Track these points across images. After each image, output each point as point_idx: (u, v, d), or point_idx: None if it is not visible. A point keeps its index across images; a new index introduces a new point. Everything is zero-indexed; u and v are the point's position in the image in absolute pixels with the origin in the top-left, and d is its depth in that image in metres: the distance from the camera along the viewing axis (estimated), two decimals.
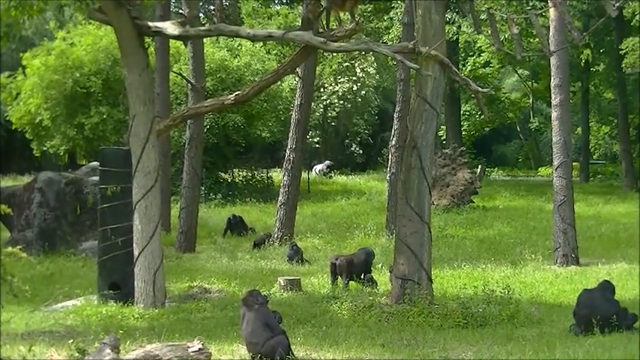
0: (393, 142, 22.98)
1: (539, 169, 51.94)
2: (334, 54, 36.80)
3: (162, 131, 14.58)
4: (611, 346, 9.66)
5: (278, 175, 31.37)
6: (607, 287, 11.37)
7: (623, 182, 39.41)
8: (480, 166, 34.07)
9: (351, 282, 15.08)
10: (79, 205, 20.20)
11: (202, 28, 16.84)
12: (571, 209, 19.32)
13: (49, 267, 17.54)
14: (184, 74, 24.78)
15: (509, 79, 58.77)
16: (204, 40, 24.87)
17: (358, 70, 41.55)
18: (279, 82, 29.80)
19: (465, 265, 18.23)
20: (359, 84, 41.70)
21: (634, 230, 22.65)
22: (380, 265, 17.02)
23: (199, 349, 8.52)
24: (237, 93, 14.15)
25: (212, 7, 45.34)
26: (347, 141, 47.54)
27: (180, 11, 25.05)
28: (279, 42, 34.97)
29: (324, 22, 13.04)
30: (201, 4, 43.96)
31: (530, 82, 54.08)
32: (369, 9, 38.98)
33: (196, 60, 22.26)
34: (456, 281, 15.99)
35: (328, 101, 41.57)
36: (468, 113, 51.11)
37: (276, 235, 22.32)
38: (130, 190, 13.31)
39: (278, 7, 46.19)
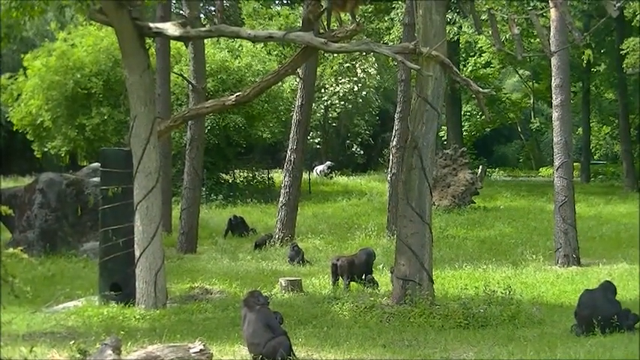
0: (394, 143, 22.97)
1: (540, 169, 51.93)
2: (335, 55, 36.85)
3: (163, 132, 14.57)
4: (612, 347, 9.66)
5: (279, 176, 31.36)
6: (608, 288, 11.38)
7: (624, 182, 39.40)
8: (480, 167, 34.05)
9: (352, 283, 15.08)
10: (80, 206, 20.20)
11: (203, 29, 16.86)
12: (572, 209, 19.31)
13: (51, 268, 17.54)
14: (185, 75, 24.78)
15: (510, 79, 58.82)
16: (205, 41, 24.89)
17: (359, 71, 41.57)
18: (280, 83, 29.85)
19: (466, 266, 18.23)
20: (360, 85, 41.72)
21: (635, 230, 22.64)
22: (381, 266, 17.01)
23: (200, 350, 8.52)
24: (238, 94, 14.15)
25: (213, 8, 45.27)
26: (348, 142, 47.57)
27: (181, 12, 25.09)
28: (279, 43, 34.99)
29: (325, 23, 13.04)
30: (201, 5, 43.97)
31: (531, 83, 54.11)
32: (369, 10, 39.01)
33: (197, 61, 22.27)
34: (457, 282, 15.99)
35: (329, 102, 41.60)
36: (468, 114, 51.13)
37: (277, 236, 22.32)
38: (131, 191, 13.31)
39: (279, 8, 46.23)
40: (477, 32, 25.95)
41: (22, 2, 14.28)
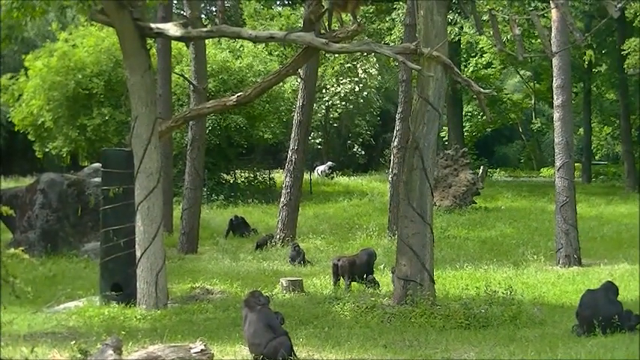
0: (395, 143, 22.96)
1: (542, 169, 51.89)
2: (336, 55, 36.86)
3: (165, 132, 14.58)
4: (613, 347, 9.66)
5: (280, 176, 31.37)
6: (610, 288, 11.37)
7: (626, 183, 39.39)
8: (482, 167, 34.03)
9: (353, 283, 15.08)
10: (81, 207, 20.21)
11: (204, 29, 16.89)
12: (573, 210, 19.31)
13: (52, 268, 17.55)
14: (186, 75, 24.80)
15: (511, 80, 58.81)
16: (206, 41, 24.90)
17: (360, 72, 41.57)
18: (281, 84, 29.86)
19: (467, 266, 18.22)
20: (361, 85, 41.71)
21: (636, 231, 22.62)
22: (382, 266, 17.00)
23: (201, 350, 8.52)
24: (239, 94, 14.15)
25: (214, 9, 45.34)
26: (349, 142, 47.57)
27: (182, 12, 25.10)
28: (281, 43, 34.97)
29: (326, 24, 13.04)
30: (202, 5, 44.00)
31: (532, 83, 54.09)
32: (371, 10, 39.04)
33: (198, 61, 22.28)
34: (458, 282, 15.99)
35: (330, 102, 41.60)
36: (469, 114, 51.12)
37: (278, 236, 22.32)
38: (132, 191, 13.33)
39: (280, 9, 46.23)
40: (478, 33, 25.98)
41: (24, 3, 14.29)
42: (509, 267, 18.30)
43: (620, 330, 10.76)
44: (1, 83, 31.24)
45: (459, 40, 38.95)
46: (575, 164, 28.73)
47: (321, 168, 42.32)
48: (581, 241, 19.49)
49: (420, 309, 12.22)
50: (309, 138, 30.62)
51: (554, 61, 19.54)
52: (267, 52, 37.01)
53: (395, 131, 23.26)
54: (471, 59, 46.99)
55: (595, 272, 17.49)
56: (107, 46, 30.64)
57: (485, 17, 20.40)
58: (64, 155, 33.57)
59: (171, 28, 13.89)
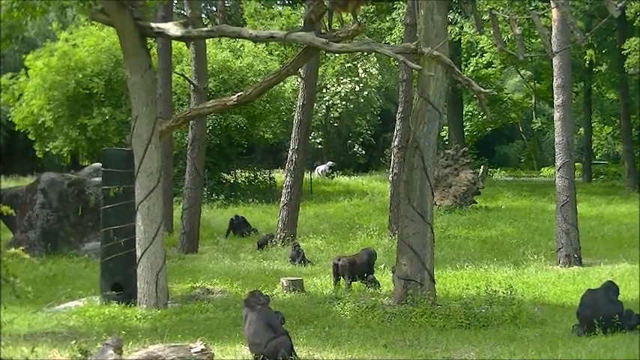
0: (396, 143, 22.96)
1: (542, 169, 51.90)
2: (337, 55, 36.85)
3: (165, 132, 14.58)
4: (613, 347, 9.65)
5: (280, 176, 31.36)
6: (610, 288, 11.36)
7: (626, 182, 39.38)
8: (482, 167, 34.01)
9: (353, 283, 15.08)
10: (81, 206, 20.21)
11: (205, 29, 16.87)
12: (573, 209, 19.31)
13: (52, 268, 17.56)
14: (187, 75, 24.81)
15: (511, 79, 58.78)
16: (207, 41, 24.89)
17: (360, 71, 41.57)
18: (281, 83, 29.87)
19: (467, 266, 18.23)
20: (361, 85, 41.72)
21: (636, 230, 22.62)
22: (382, 266, 17.01)
23: (202, 349, 8.52)
24: (239, 94, 14.15)
25: (214, 8, 45.34)
26: (349, 142, 47.57)
27: (183, 12, 25.10)
28: (281, 43, 34.93)
29: (327, 23, 13.04)
30: (203, 5, 44.00)
31: (532, 83, 54.09)
32: (371, 10, 39.00)
33: (199, 61, 22.28)
34: (459, 282, 15.99)
35: (331, 102, 41.60)
36: (470, 114, 51.09)
37: (278, 236, 22.34)
38: (132, 191, 13.33)
39: (280, 8, 46.22)
40: (478, 32, 25.91)
41: (24, 2, 14.30)
42: (509, 267, 18.30)
43: (620, 330, 10.76)
44: (2, 83, 31.26)
45: (460, 39, 38.93)
46: (576, 164, 28.70)
47: (321, 168, 42.31)
48: (581, 241, 19.50)
49: (421, 309, 12.22)
50: (310, 138, 30.63)
51: (555, 61, 19.54)
52: (267, 52, 37.02)
53: (395, 131, 23.26)
54: (472, 59, 46.98)
55: (595, 272, 17.49)
56: (107, 45, 30.66)
57: (485, 17, 20.40)
58: (65, 155, 33.62)
59: (172, 28, 13.89)
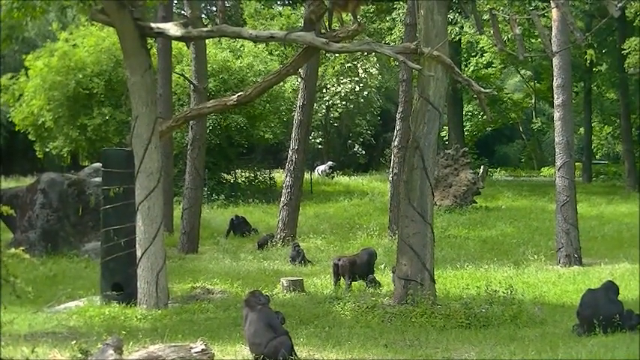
0: (396, 143, 22.96)
1: (542, 169, 51.90)
2: (337, 55, 36.85)
3: (165, 132, 14.58)
4: (613, 347, 9.65)
5: (280, 176, 31.36)
6: (610, 288, 11.36)
7: (626, 182, 39.38)
8: (482, 167, 34.00)
9: (353, 283, 15.08)
10: (81, 206, 20.21)
11: (205, 29, 16.88)
12: (574, 209, 19.31)
13: (52, 268, 17.56)
14: (187, 75, 24.80)
15: (511, 79, 58.79)
16: (207, 41, 24.89)
17: (360, 71, 41.57)
18: (281, 83, 29.86)
19: (467, 266, 18.23)
20: (361, 85, 41.71)
21: (636, 230, 22.63)
22: (382, 266, 17.01)
23: (202, 349, 8.52)
24: (239, 94, 14.15)
25: (214, 9, 45.34)
26: (349, 142, 47.57)
27: (183, 12, 25.10)
28: (281, 43, 34.93)
29: (327, 23, 13.04)
30: (203, 5, 44.00)
31: (532, 83, 54.09)
32: (371, 10, 39.01)
33: (199, 61, 22.28)
34: (459, 282, 15.99)
35: (331, 102, 41.60)
36: (470, 114, 51.10)
37: (278, 236, 22.34)
38: (132, 191, 13.33)
39: (280, 8, 46.22)
40: (478, 32, 25.90)
41: (24, 3, 14.29)
42: (509, 266, 18.31)
43: (620, 329, 10.76)
44: (2, 83, 31.26)
45: (460, 39, 38.93)
46: (576, 164, 28.68)
47: (321, 168, 42.30)
48: (581, 241, 19.50)
49: (421, 308, 12.23)
50: (310, 138, 30.62)
51: (555, 61, 19.54)
52: (267, 52, 37.01)
53: (395, 131, 23.26)
54: (472, 59, 46.98)
55: (596, 272, 17.50)
56: (107, 45, 30.66)
57: (485, 17, 20.41)
58: (65, 155, 33.61)
59: (172, 28, 13.89)
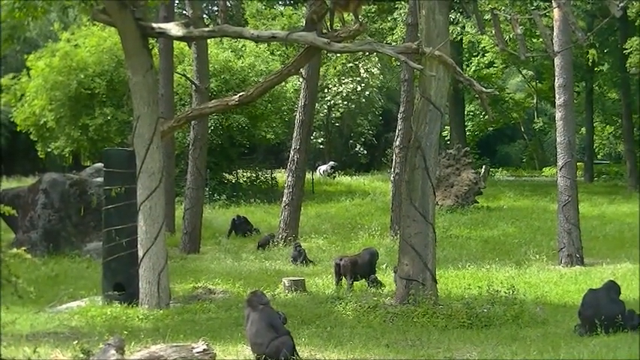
0: (397, 143, 22.97)
1: (544, 169, 51.86)
2: (338, 55, 36.79)
3: (166, 132, 14.58)
4: (615, 347, 9.65)
5: (282, 176, 31.35)
6: (612, 287, 11.36)
7: (628, 182, 39.36)
8: (484, 167, 34.01)
9: (355, 283, 15.08)
10: (83, 207, 20.21)
11: (206, 29, 16.87)
12: (575, 209, 19.31)
13: (54, 268, 17.56)
14: (188, 75, 24.81)
15: (513, 79, 58.75)
16: (208, 41, 24.89)
17: (362, 71, 41.54)
18: (283, 83, 29.85)
19: (469, 266, 18.22)
20: (363, 85, 41.69)
21: (638, 230, 22.60)
22: (384, 266, 17.01)
23: (204, 349, 8.52)
24: (241, 94, 14.15)
25: (216, 9, 45.36)
26: (351, 141, 47.56)
27: (184, 12, 25.10)
28: (283, 43, 34.95)
29: (328, 23, 13.04)
30: (204, 5, 44.00)
31: (534, 83, 54.06)
32: (373, 10, 38.94)
33: (200, 61, 22.28)
34: (461, 282, 15.99)
35: (332, 102, 41.58)
36: (472, 113, 51.08)
37: (280, 236, 22.34)
38: (134, 191, 13.33)
39: (282, 8, 46.21)
40: (480, 32, 25.91)
41: (26, 3, 14.29)
42: (511, 266, 18.30)
43: (622, 329, 10.75)
44: (4, 83, 31.28)
45: (461, 39, 38.89)
46: (578, 163, 28.65)
47: (323, 168, 42.29)
48: (583, 241, 19.48)
49: (423, 308, 12.23)
50: (311, 138, 30.65)
51: (556, 61, 19.53)
52: (269, 52, 36.99)
53: (397, 131, 23.27)
54: (473, 59, 46.94)
55: (597, 272, 17.49)
56: (109, 45, 30.67)
57: (487, 16, 20.39)
58: (66, 155, 33.65)
59: (173, 28, 13.90)
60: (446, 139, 43.59)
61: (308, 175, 30.11)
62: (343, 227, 25.57)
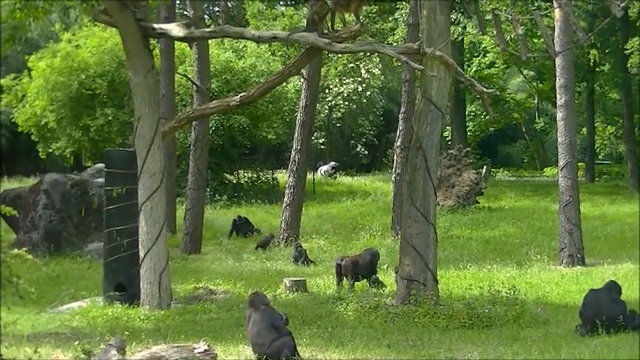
0: (399, 143, 22.97)
1: (545, 169, 51.88)
2: (339, 55, 36.78)
3: (168, 133, 14.59)
4: (616, 347, 9.65)
5: (283, 177, 31.37)
6: (613, 288, 11.36)
7: (629, 182, 39.35)
8: (485, 167, 34.03)
9: (356, 283, 15.08)
10: (84, 207, 20.22)
11: (207, 29, 16.90)
12: (577, 209, 19.30)
13: (55, 269, 17.57)
14: (189, 76, 24.81)
15: (514, 79, 58.74)
16: (209, 41, 24.90)
17: (363, 71, 41.56)
18: (284, 84, 29.83)
19: (470, 266, 18.21)
20: (364, 85, 41.71)
21: (639, 230, 22.59)
22: (385, 266, 17.02)
23: (205, 350, 8.53)
24: (242, 94, 14.16)
25: (217, 9, 45.37)
26: (352, 142, 47.56)
27: (185, 13, 25.09)
28: (284, 43, 34.98)
29: (329, 24, 13.05)
30: (205, 5, 44.01)
31: (535, 83, 54.04)
32: (374, 10, 38.95)
33: (201, 61, 22.28)
34: (462, 282, 15.97)
35: (333, 102, 41.60)
36: (473, 114, 51.06)
37: (281, 236, 22.33)
38: (135, 191, 13.33)
39: (283, 9, 46.23)
40: (481, 32, 25.95)
41: (27, 3, 14.30)
42: (512, 267, 18.29)
43: (623, 330, 10.75)
44: (5, 84, 31.29)
45: (462, 39, 38.90)
46: (579, 164, 28.66)
47: (324, 168, 42.29)
48: (584, 241, 19.47)
49: (424, 309, 12.23)
50: (313, 138, 30.65)
51: (558, 61, 19.52)
52: (270, 53, 37.01)
53: (398, 131, 23.27)
54: (474, 59, 46.94)
55: (598, 272, 17.48)
56: (110, 46, 30.67)
57: (488, 17, 20.41)
58: (68, 156, 33.64)
59: (174, 29, 13.90)
60: (447, 139, 43.58)
61: (309, 176, 30.08)
62: (344, 227, 25.57)
